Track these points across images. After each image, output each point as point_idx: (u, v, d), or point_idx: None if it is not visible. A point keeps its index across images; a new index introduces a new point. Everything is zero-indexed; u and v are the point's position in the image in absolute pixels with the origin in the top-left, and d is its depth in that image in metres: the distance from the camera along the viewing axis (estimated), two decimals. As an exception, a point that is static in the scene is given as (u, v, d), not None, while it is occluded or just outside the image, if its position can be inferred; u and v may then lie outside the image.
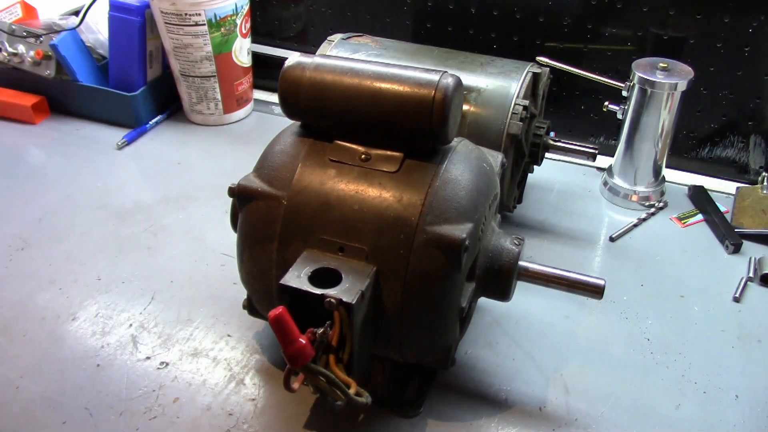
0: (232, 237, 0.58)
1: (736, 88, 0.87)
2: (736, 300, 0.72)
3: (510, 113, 0.71)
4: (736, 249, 0.78)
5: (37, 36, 0.99)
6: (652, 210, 0.85)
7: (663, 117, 0.81)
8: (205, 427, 0.57)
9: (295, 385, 0.46)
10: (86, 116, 1.04)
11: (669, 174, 0.92)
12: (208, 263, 0.75)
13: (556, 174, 0.93)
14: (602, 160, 0.88)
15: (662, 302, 0.72)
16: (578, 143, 0.79)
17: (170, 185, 0.89)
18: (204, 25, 0.94)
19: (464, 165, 0.53)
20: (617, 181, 0.88)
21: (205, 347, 0.64)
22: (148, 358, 0.63)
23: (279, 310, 0.44)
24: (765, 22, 0.82)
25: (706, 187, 0.88)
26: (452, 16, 0.97)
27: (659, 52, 0.86)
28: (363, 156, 0.52)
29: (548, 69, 0.79)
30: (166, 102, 1.05)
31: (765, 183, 0.86)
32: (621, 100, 0.85)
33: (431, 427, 0.58)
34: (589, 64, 0.92)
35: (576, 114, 0.98)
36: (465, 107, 0.72)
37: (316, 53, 0.79)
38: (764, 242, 0.79)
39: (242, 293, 0.60)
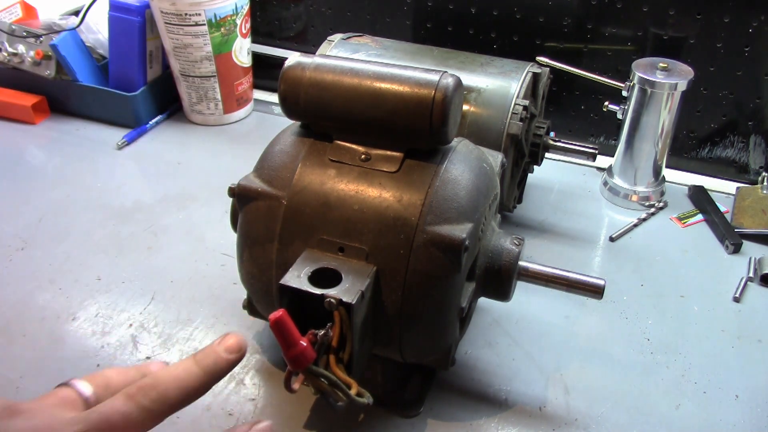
0: (232, 237, 0.58)
1: (736, 88, 0.87)
2: (736, 300, 0.72)
3: (510, 113, 0.71)
4: (736, 249, 0.78)
5: (37, 36, 0.99)
6: (652, 210, 0.85)
7: (663, 117, 0.81)
8: (205, 427, 0.57)
9: (296, 386, 0.46)
10: (86, 116, 1.04)
11: (669, 174, 0.92)
12: (208, 263, 0.75)
13: (556, 174, 0.93)
14: (602, 160, 0.88)
15: (662, 302, 0.72)
16: (578, 143, 0.79)
17: (170, 185, 0.89)
18: (204, 25, 0.94)
19: (464, 165, 0.53)
20: (617, 181, 0.88)
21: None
22: (148, 358, 0.63)
23: (279, 313, 0.43)
24: (765, 22, 0.82)
25: (706, 187, 0.88)
26: (452, 16, 0.97)
27: (659, 52, 0.86)
28: (363, 156, 0.52)
29: (548, 69, 0.79)
30: (166, 102, 1.05)
31: (765, 183, 0.86)
32: (621, 100, 0.85)
33: (431, 427, 0.58)
34: (589, 64, 0.92)
35: (576, 114, 0.98)
36: (465, 107, 0.72)
37: (316, 53, 0.79)
38: (764, 242, 0.79)
39: (242, 293, 0.60)
